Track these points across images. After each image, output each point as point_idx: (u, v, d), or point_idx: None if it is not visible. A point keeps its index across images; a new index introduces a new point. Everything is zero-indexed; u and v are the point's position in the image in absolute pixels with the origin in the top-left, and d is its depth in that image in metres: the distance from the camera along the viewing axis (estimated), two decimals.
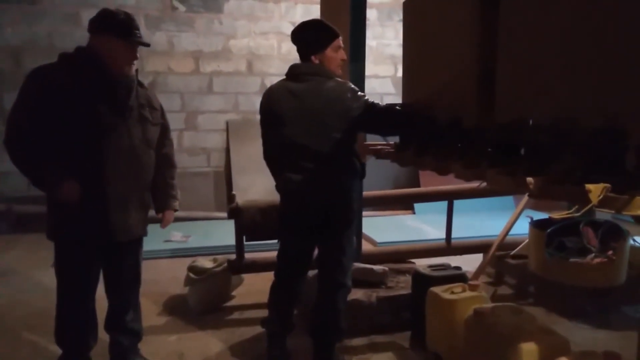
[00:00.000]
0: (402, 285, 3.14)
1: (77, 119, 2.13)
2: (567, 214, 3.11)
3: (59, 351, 2.40)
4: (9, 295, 3.64)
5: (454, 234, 3.78)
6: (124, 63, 2.25)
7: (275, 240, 2.62)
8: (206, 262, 3.44)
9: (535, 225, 3.30)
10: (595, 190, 1.40)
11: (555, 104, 1.56)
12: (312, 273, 2.77)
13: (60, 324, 2.35)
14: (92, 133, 2.16)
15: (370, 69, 5.28)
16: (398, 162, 2.60)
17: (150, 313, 3.23)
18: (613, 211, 1.44)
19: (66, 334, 2.36)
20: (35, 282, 3.85)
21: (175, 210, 2.59)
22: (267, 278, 2.77)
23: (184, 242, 4.87)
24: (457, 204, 3.75)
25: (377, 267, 3.17)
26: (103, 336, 2.48)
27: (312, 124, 2.39)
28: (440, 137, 2.20)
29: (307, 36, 2.50)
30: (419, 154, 2.35)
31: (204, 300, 3.34)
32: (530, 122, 1.73)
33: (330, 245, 2.51)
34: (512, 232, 3.74)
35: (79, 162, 2.16)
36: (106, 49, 2.19)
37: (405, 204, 6.13)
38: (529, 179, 1.68)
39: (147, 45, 2.33)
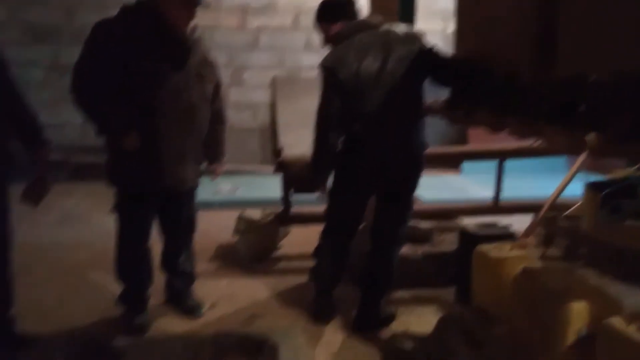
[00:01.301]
0: (448, 243, 3.14)
1: (138, 73, 2.20)
2: (625, 174, 2.98)
3: (119, 289, 2.57)
4: (72, 237, 3.87)
5: (502, 196, 3.70)
6: (185, 22, 2.30)
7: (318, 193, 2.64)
8: (254, 214, 3.53)
9: (591, 186, 3.19)
10: None
11: (618, 58, 1.48)
12: None
13: (119, 264, 2.51)
14: (152, 88, 2.23)
15: (419, 24, 5.11)
16: (449, 118, 2.53)
17: (201, 260, 3.34)
18: None
19: (125, 273, 2.52)
20: (96, 226, 4.06)
21: (224, 164, 2.67)
22: (312, 230, 2.83)
23: (232, 193, 4.99)
24: (507, 165, 3.65)
25: (423, 224, 3.17)
26: (159, 279, 2.63)
27: (390, 79, 2.34)
28: (496, 92, 2.13)
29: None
30: (472, 110, 2.29)
31: (253, 250, 3.45)
32: (592, 78, 1.65)
33: (402, 201, 2.54)
34: (565, 193, 3.63)
35: (140, 115, 2.25)
36: (168, 7, 2.22)
37: (452, 163, 6.02)
38: (589, 137, 1.63)
39: (208, 5, 2.35)
